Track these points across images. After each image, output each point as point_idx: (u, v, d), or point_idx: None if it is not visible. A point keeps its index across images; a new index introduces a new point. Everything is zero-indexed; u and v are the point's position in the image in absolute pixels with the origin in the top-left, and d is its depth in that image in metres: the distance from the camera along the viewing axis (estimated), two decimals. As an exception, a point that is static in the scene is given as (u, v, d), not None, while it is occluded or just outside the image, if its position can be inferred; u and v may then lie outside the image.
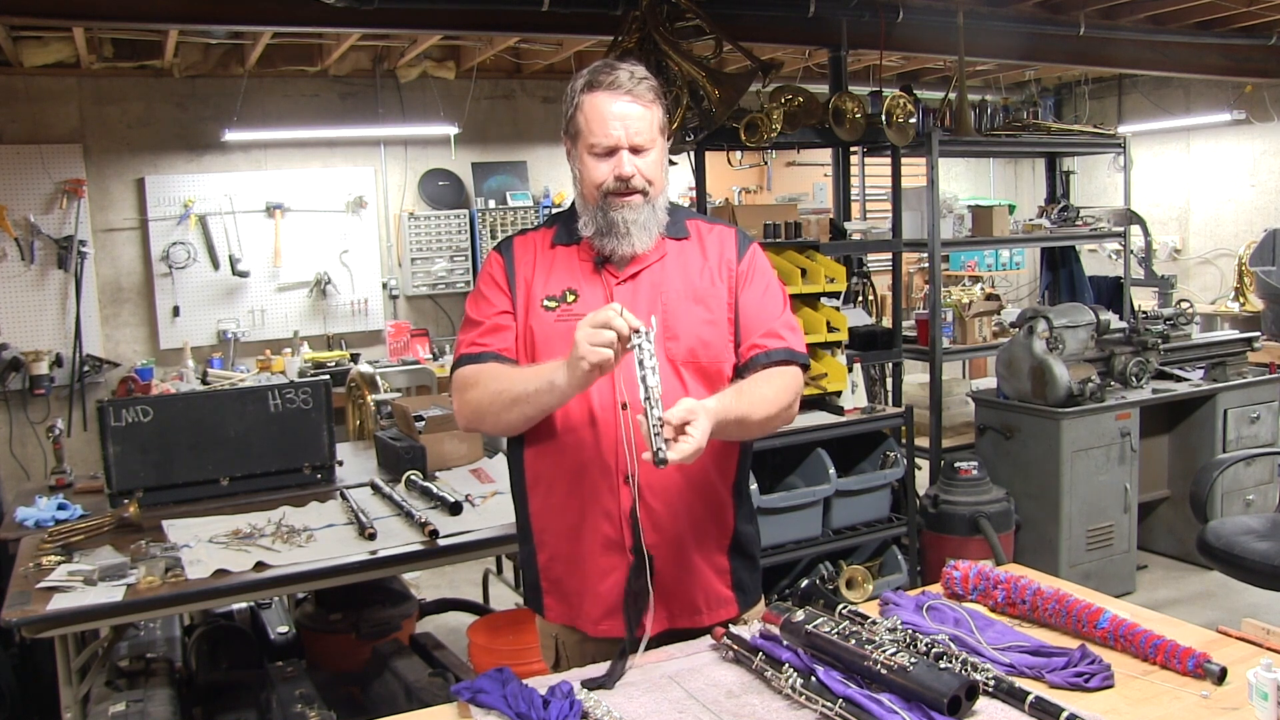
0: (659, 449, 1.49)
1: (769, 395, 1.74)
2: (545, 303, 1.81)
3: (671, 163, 4.24)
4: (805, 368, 1.87)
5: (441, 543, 2.69)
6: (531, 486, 1.87)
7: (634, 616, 1.69)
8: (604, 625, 1.80)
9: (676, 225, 1.87)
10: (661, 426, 1.50)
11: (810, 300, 3.93)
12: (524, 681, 1.52)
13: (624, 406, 1.74)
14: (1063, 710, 1.35)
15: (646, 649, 1.71)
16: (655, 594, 1.77)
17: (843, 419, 3.95)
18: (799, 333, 1.88)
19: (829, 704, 1.41)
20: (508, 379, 1.73)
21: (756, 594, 1.94)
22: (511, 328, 1.83)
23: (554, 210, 6.58)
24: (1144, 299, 6.54)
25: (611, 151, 1.76)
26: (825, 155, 6.55)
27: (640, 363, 1.54)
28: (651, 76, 1.81)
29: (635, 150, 1.77)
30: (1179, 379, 4.93)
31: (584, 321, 1.58)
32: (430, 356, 6.34)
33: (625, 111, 1.75)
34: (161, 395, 4.55)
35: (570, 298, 1.81)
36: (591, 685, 1.56)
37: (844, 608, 1.66)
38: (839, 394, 3.99)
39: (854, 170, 5.64)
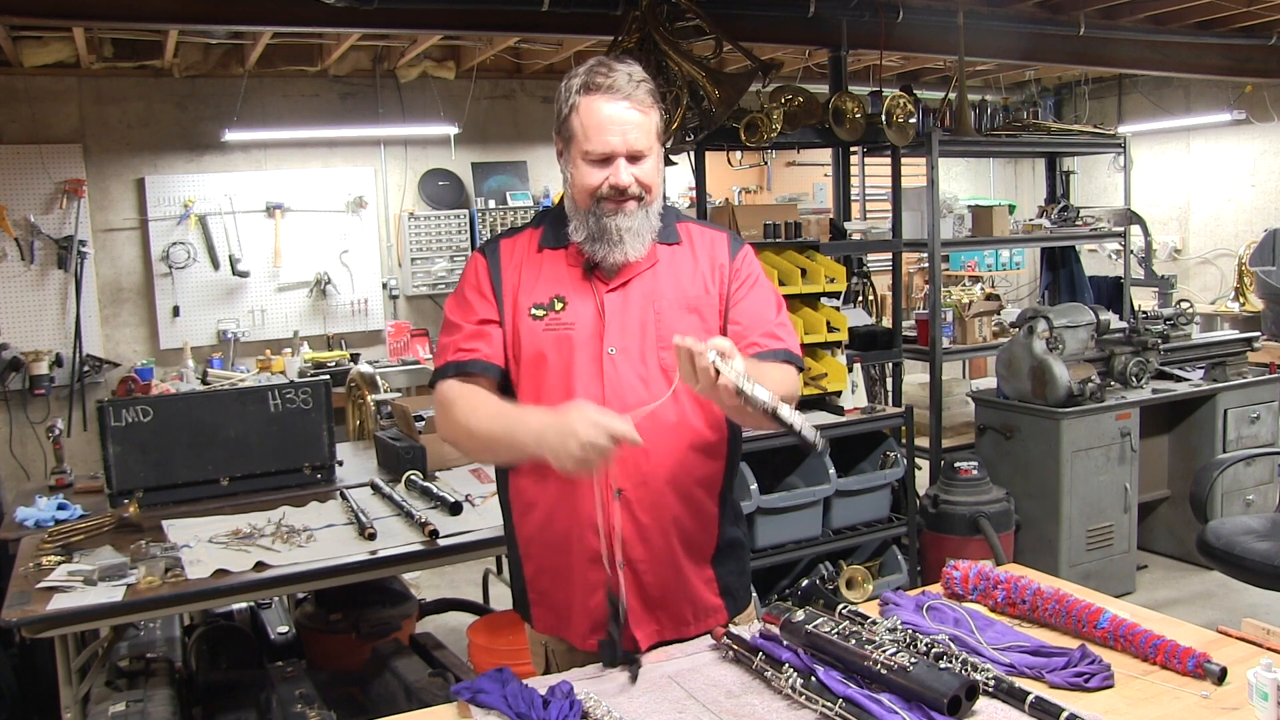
0: (815, 439, 1.47)
1: (776, 377, 1.71)
2: (533, 311, 1.76)
3: (671, 163, 4.25)
4: (801, 370, 1.86)
5: (441, 543, 2.69)
6: (516, 499, 1.84)
7: (616, 635, 1.68)
8: (592, 640, 1.78)
9: (668, 229, 1.83)
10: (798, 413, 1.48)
11: (810, 300, 3.93)
12: (524, 681, 1.53)
13: None
14: (1063, 710, 1.35)
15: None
16: (643, 607, 1.76)
17: (843, 419, 3.95)
18: (793, 335, 1.86)
19: (829, 704, 1.41)
20: (482, 420, 1.68)
21: (746, 598, 1.92)
22: (496, 337, 1.77)
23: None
24: (1144, 299, 6.54)
25: (607, 159, 1.71)
26: (825, 155, 6.54)
27: (749, 384, 1.47)
28: (649, 79, 1.76)
29: (632, 158, 1.71)
30: (1179, 379, 4.94)
31: (589, 412, 1.52)
32: (430, 356, 6.34)
33: (624, 118, 1.69)
34: (161, 395, 4.54)
35: (558, 305, 1.75)
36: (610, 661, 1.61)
37: (844, 608, 1.66)
38: (839, 394, 3.99)
39: (854, 170, 5.64)
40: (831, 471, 3.82)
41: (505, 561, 4.31)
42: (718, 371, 1.47)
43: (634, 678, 1.61)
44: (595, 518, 1.72)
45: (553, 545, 1.79)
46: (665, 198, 1.90)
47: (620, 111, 1.70)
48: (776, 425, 1.48)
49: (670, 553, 1.78)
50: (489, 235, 6.58)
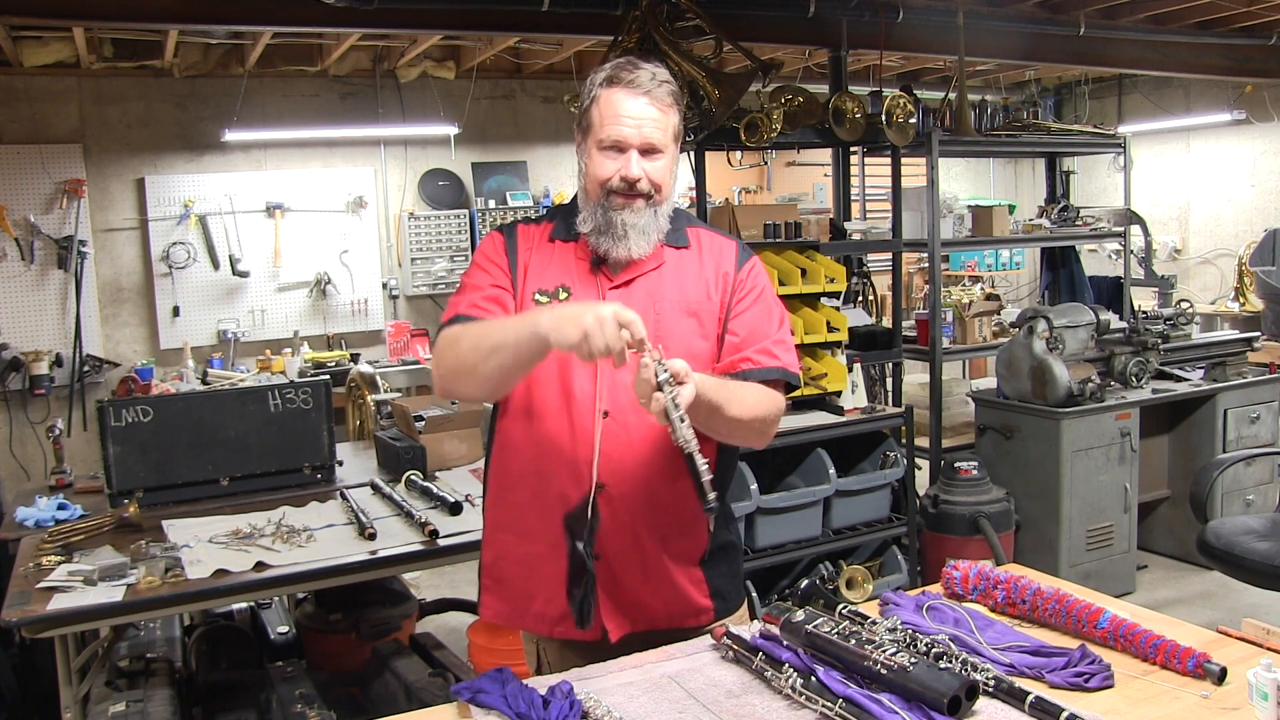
0: (710, 497, 1.51)
1: (749, 400, 1.71)
2: (537, 296, 1.77)
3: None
4: (796, 387, 1.86)
5: (441, 543, 2.69)
6: (494, 485, 1.86)
7: (584, 609, 1.68)
8: (560, 628, 1.78)
9: (678, 233, 1.84)
10: (709, 471, 1.51)
11: (810, 300, 3.93)
12: (524, 681, 1.53)
13: (604, 415, 1.72)
14: (1063, 710, 1.35)
15: (630, 652, 1.71)
16: (613, 601, 1.77)
17: (843, 419, 3.95)
18: (793, 352, 1.85)
19: (829, 704, 1.41)
20: (488, 326, 1.67)
21: (739, 600, 1.92)
22: (509, 303, 1.78)
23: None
24: (1144, 299, 6.54)
25: (621, 150, 1.73)
26: (825, 155, 6.55)
27: (680, 419, 1.49)
28: (673, 81, 1.77)
29: (646, 153, 1.73)
30: (1179, 379, 4.94)
31: (619, 310, 1.48)
32: (430, 357, 6.33)
33: (641, 112, 1.72)
34: (161, 395, 4.54)
35: (563, 294, 1.77)
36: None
37: (844, 608, 1.66)
38: (839, 394, 3.99)
39: (854, 170, 5.64)
40: (831, 471, 3.82)
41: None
42: (659, 387, 1.49)
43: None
44: (571, 504, 1.72)
45: (525, 531, 1.80)
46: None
47: (639, 106, 1.72)
48: (688, 464, 1.52)
49: (651, 550, 1.78)
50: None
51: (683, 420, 1.49)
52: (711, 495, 1.50)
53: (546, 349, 1.56)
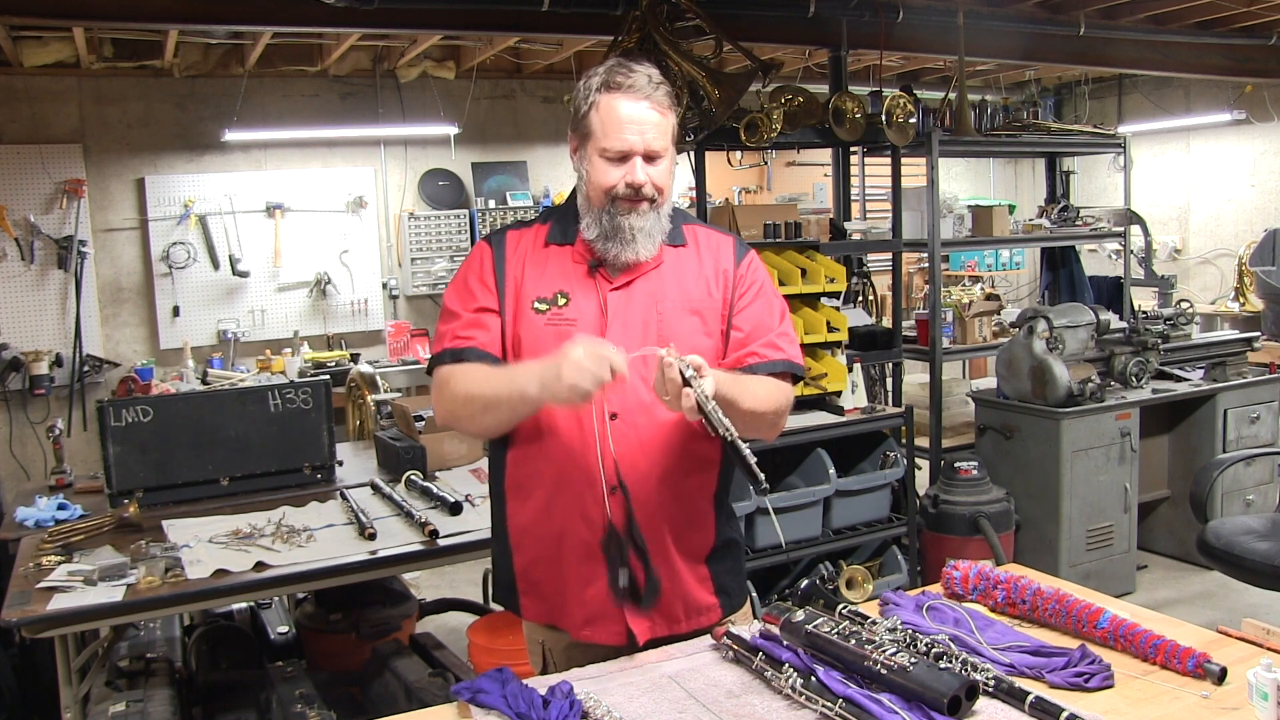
0: (761, 478, 1.52)
1: (760, 393, 1.73)
2: (536, 304, 1.77)
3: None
4: (800, 379, 1.88)
5: (441, 543, 2.70)
6: (511, 490, 1.85)
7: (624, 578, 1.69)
8: (586, 631, 1.79)
9: (675, 232, 1.84)
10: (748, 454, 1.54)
11: (810, 300, 3.93)
12: (524, 681, 1.53)
13: (613, 417, 1.72)
14: (1063, 710, 1.35)
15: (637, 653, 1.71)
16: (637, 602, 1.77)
17: (843, 419, 3.95)
18: (796, 344, 1.87)
19: (829, 704, 1.41)
20: (480, 382, 1.70)
21: (742, 597, 1.93)
22: (494, 326, 1.78)
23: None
24: (1144, 299, 6.54)
25: (624, 157, 1.72)
26: (825, 155, 6.55)
27: (713, 408, 1.53)
28: (667, 82, 1.78)
29: (648, 158, 1.73)
30: (1179, 379, 4.94)
31: (585, 343, 1.55)
32: (430, 357, 6.33)
33: (643, 118, 1.72)
34: (161, 395, 4.54)
35: (561, 300, 1.77)
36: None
37: (844, 608, 1.66)
38: (839, 394, 3.99)
39: (854, 170, 5.64)
40: (831, 471, 3.82)
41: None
42: (686, 383, 1.52)
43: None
44: (592, 511, 1.73)
45: (547, 537, 1.80)
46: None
47: (640, 111, 1.72)
48: (731, 451, 1.55)
49: (663, 549, 1.79)
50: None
51: (715, 410, 1.52)
52: (761, 476, 1.52)
53: (536, 405, 1.64)
